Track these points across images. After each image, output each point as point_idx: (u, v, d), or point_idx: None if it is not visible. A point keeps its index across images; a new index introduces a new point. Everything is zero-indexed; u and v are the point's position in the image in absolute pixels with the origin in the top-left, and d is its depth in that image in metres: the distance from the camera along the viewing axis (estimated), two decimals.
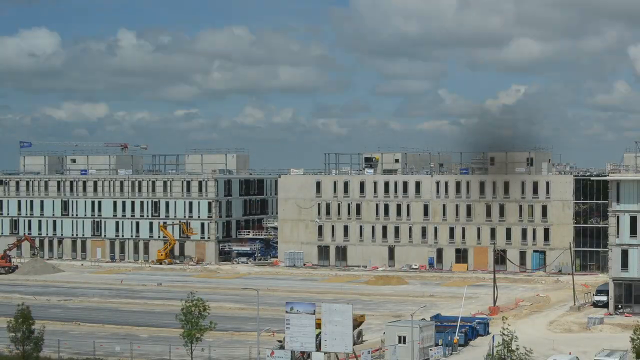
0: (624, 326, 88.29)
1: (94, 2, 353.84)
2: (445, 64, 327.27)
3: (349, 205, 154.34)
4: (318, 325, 69.55)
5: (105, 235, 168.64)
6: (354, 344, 72.12)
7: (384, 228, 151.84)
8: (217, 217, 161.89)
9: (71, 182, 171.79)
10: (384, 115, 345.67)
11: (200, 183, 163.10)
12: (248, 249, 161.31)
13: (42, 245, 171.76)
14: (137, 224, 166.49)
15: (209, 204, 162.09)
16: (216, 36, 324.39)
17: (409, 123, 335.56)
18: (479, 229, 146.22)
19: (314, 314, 69.95)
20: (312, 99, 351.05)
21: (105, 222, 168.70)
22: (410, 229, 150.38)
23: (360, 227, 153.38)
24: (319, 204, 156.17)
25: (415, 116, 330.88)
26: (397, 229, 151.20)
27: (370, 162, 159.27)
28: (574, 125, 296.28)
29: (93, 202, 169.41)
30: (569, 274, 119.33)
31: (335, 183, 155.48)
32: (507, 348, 56.91)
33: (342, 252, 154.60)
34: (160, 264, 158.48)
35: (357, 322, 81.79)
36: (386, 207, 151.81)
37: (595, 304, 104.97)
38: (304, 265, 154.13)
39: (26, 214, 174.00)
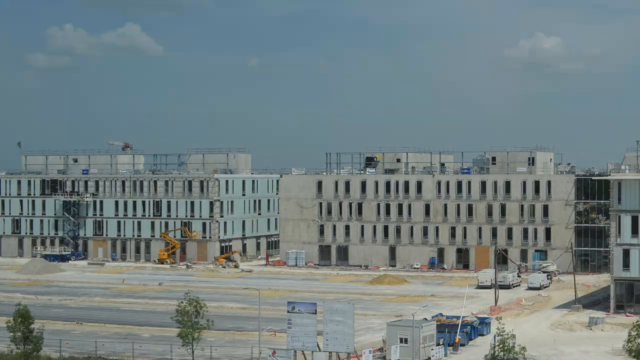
0: (626, 325, 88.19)
1: None
2: None
3: (350, 205, 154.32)
4: None
5: (106, 235, 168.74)
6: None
7: (385, 228, 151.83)
8: (218, 217, 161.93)
9: (73, 182, 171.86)
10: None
11: (201, 183, 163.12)
12: None
13: (43, 244, 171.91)
14: (139, 223, 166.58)
15: (211, 203, 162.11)
16: None
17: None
18: (480, 229, 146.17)
19: (315, 313, 70.02)
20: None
21: (106, 221, 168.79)
22: (411, 228, 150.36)
23: (362, 226, 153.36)
24: (320, 204, 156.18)
25: None
26: (398, 229, 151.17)
27: (371, 162, 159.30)
28: None
29: (95, 202, 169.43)
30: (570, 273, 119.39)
31: (336, 183, 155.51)
32: (503, 348, 56.99)
33: (343, 252, 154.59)
34: (162, 263, 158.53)
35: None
36: (387, 206, 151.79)
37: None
38: (306, 264, 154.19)
39: (27, 214, 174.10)
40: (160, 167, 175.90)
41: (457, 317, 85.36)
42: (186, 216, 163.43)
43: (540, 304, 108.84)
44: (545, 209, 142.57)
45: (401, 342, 74.00)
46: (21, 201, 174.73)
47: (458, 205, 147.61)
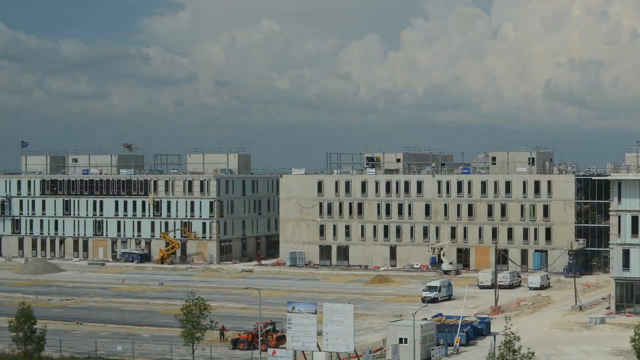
0: (626, 325, 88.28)
1: None
2: None
3: (350, 204, 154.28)
4: None
5: (107, 235, 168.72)
6: None
7: (386, 228, 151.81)
8: (218, 217, 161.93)
9: (73, 182, 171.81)
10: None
11: (202, 183, 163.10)
12: None
13: (43, 244, 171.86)
14: (139, 223, 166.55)
15: (211, 203, 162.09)
16: None
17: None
18: (480, 229, 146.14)
19: (315, 313, 70.02)
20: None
21: (107, 221, 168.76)
22: (411, 228, 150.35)
23: (362, 226, 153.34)
24: (320, 204, 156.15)
25: None
26: (398, 229, 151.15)
27: (371, 162, 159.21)
28: None
29: (95, 202, 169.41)
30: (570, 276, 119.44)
31: (336, 183, 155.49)
32: (509, 349, 56.86)
33: (343, 252, 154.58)
34: (162, 263, 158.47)
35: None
36: (388, 206, 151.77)
37: (423, 300, 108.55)
38: (306, 264, 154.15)
39: (28, 214, 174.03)
40: (161, 167, 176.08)
41: (457, 317, 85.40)
42: (186, 216, 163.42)
43: (540, 304, 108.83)
44: (546, 209, 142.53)
45: (401, 342, 74.03)
46: (21, 201, 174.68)
47: (458, 205, 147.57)
